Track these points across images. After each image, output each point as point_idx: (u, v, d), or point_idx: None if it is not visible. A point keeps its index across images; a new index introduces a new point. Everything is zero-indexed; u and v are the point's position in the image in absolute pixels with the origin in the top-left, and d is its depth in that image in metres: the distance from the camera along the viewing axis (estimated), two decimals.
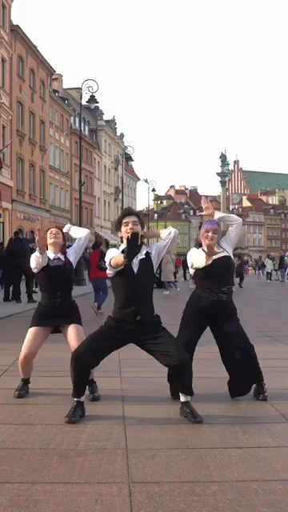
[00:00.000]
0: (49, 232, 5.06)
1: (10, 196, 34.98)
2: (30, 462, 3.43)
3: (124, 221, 4.36)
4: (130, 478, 3.19)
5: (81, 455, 3.56)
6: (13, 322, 11.41)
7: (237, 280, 25.21)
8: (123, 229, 4.35)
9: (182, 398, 4.38)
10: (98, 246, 14.00)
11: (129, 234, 4.11)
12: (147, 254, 4.40)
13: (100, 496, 2.95)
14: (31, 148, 39.74)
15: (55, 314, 4.96)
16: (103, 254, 11.71)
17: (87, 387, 4.82)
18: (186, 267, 27.48)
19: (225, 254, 4.89)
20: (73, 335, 4.89)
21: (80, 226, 29.74)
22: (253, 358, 4.95)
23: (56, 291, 4.97)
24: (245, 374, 4.92)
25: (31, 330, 4.99)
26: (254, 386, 5.06)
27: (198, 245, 5.04)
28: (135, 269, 4.27)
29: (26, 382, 5.19)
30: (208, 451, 3.65)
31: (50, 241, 5.02)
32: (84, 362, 4.28)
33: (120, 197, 56.71)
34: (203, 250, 4.80)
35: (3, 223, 33.28)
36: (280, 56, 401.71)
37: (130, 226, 4.30)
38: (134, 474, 3.26)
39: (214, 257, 4.76)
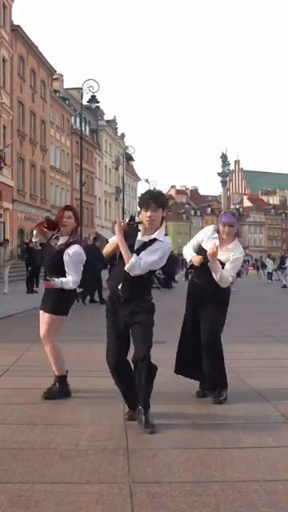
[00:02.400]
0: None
1: (11, 196, 35.00)
2: (31, 462, 3.43)
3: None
4: (130, 478, 3.19)
5: (81, 455, 3.56)
6: (13, 322, 11.41)
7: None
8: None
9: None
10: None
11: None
12: (151, 241, 4.24)
13: (101, 496, 2.95)
14: (32, 148, 39.75)
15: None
16: None
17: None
18: (188, 267, 27.42)
19: (226, 257, 4.86)
20: (40, 322, 5.10)
21: (81, 226, 29.67)
22: (212, 360, 4.90)
23: (45, 270, 5.14)
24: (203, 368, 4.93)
25: None
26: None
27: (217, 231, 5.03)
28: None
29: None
30: (209, 451, 3.64)
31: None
32: (112, 363, 4.27)
33: (121, 197, 56.70)
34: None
35: (4, 223, 33.29)
36: (281, 56, 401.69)
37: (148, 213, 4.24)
38: (134, 474, 3.26)
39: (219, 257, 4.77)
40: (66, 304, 5.09)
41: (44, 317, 5.03)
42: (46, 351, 5.04)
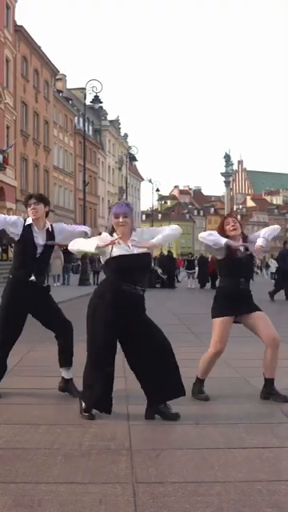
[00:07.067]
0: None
1: (14, 196, 35.04)
2: (35, 462, 3.43)
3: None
4: (134, 478, 3.19)
5: (85, 455, 3.56)
6: None
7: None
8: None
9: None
10: None
11: None
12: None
13: (104, 496, 2.95)
14: (35, 148, 39.79)
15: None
16: None
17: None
18: (190, 268, 27.41)
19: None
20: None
21: (84, 225, 29.79)
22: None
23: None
24: None
25: None
26: None
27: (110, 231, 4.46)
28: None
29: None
30: (212, 451, 3.64)
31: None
32: None
33: (124, 197, 56.73)
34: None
35: None
36: (284, 56, 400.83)
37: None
38: (138, 474, 3.26)
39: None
40: None
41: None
42: (276, 354, 4.99)
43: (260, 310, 5.01)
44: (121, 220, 4.32)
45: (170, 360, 4.38)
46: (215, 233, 4.95)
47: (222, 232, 4.94)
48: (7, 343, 5.01)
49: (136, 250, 4.31)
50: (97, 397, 4.29)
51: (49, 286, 5.11)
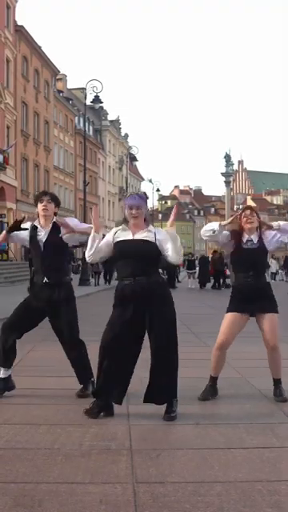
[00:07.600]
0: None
1: (15, 196, 35.05)
2: (35, 462, 3.43)
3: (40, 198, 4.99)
4: (134, 478, 3.19)
5: (85, 455, 3.56)
6: None
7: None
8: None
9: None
10: None
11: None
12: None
13: (104, 496, 2.96)
14: (35, 148, 39.79)
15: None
16: None
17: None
18: (190, 268, 27.39)
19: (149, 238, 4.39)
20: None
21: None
22: None
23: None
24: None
25: None
26: None
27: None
28: None
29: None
30: (212, 451, 3.65)
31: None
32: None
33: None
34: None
35: (8, 223, 33.38)
36: (284, 56, 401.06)
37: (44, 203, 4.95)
38: (138, 474, 3.27)
39: (137, 237, 4.39)
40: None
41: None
42: (275, 356, 5.01)
43: (273, 311, 5.02)
44: (133, 212, 4.41)
45: (160, 366, 4.37)
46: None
47: (238, 223, 4.99)
48: (14, 328, 4.97)
49: (139, 237, 4.39)
50: (98, 385, 4.43)
51: (67, 285, 4.99)
